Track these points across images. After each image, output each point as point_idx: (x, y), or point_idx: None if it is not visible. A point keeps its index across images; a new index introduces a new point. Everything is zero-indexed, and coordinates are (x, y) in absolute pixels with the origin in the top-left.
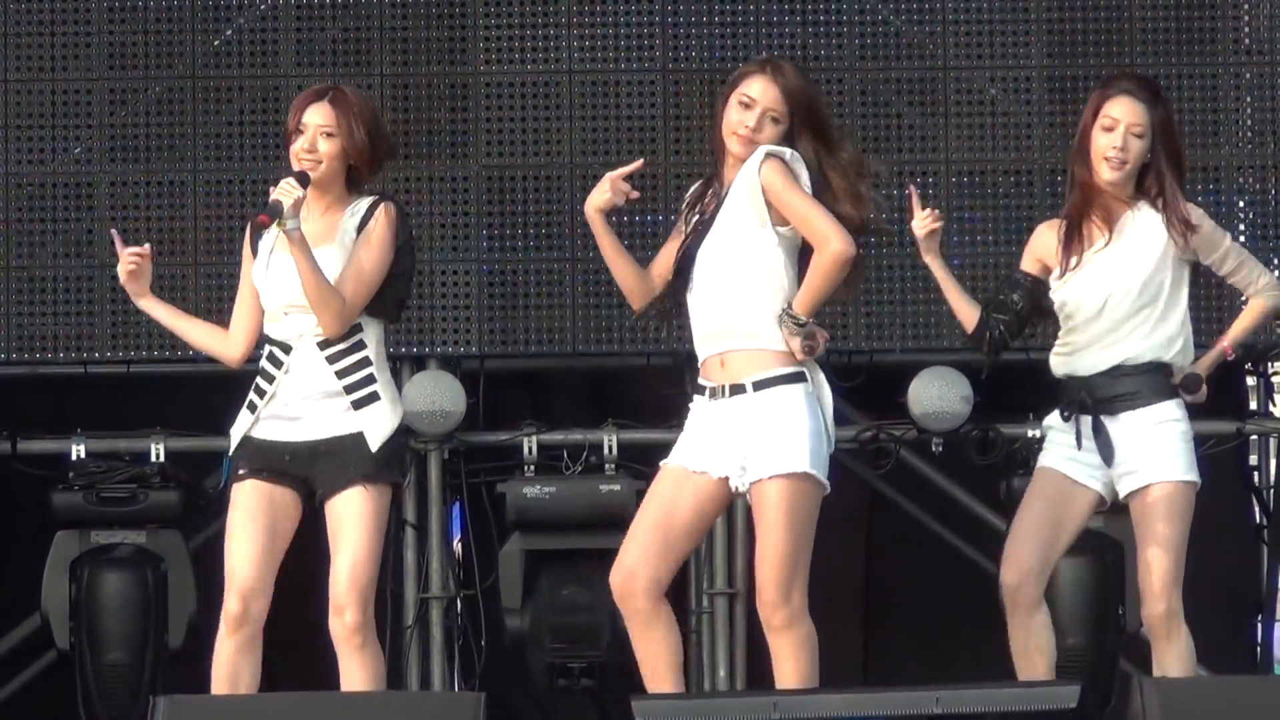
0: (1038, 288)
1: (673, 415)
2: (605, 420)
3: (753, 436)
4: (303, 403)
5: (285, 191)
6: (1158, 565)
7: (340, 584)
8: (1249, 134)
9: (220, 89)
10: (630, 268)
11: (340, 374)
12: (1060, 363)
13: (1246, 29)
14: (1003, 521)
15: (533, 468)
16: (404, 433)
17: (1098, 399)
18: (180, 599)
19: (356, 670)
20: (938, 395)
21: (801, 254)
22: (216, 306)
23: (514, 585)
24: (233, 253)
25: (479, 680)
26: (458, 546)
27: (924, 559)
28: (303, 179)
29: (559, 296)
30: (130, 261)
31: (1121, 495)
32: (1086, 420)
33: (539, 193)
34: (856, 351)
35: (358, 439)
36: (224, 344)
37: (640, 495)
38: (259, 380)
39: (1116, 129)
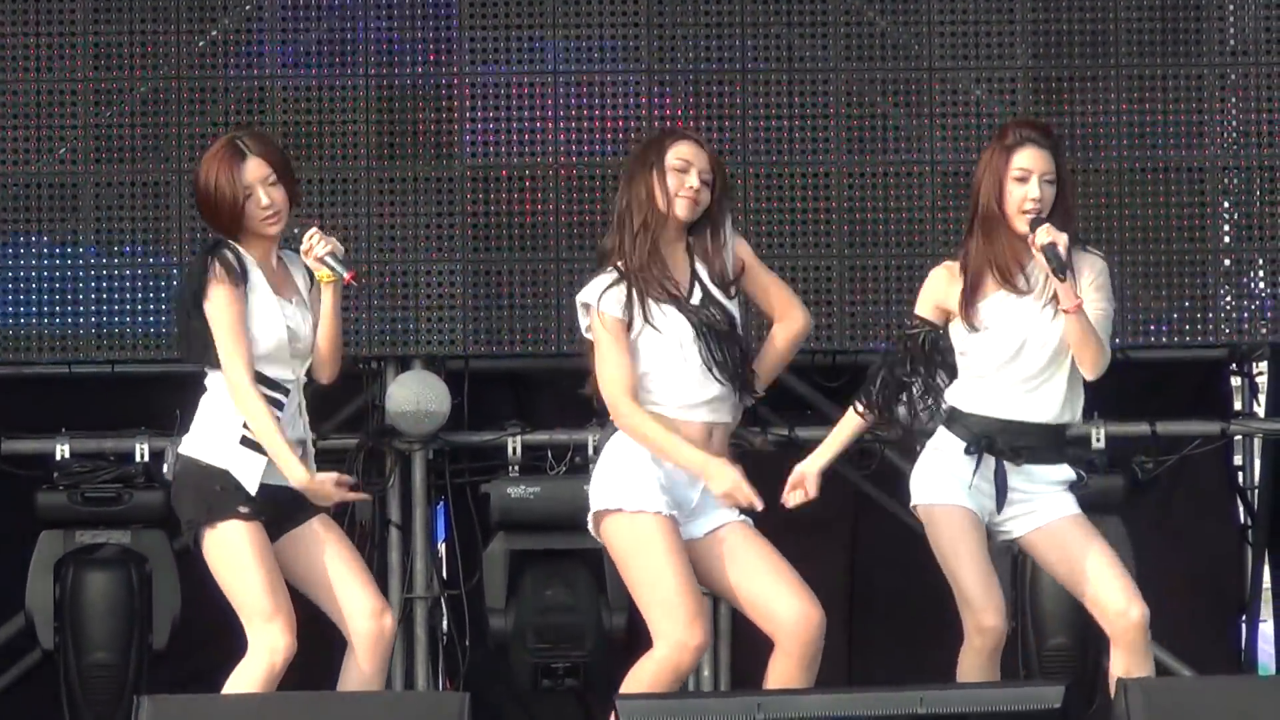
0: (940, 335)
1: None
2: (590, 420)
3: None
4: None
5: (325, 243)
6: (1119, 570)
7: (369, 588)
8: (1234, 135)
9: (205, 90)
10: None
11: (302, 408)
12: (966, 399)
13: (1232, 30)
14: None
15: (517, 468)
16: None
17: (1005, 446)
18: (165, 599)
19: (380, 670)
20: None
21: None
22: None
23: (498, 585)
24: None
25: (463, 680)
26: (442, 547)
27: (909, 560)
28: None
29: (544, 297)
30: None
31: (1016, 534)
32: (990, 461)
33: (524, 193)
34: (840, 351)
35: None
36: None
37: None
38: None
39: (1030, 179)
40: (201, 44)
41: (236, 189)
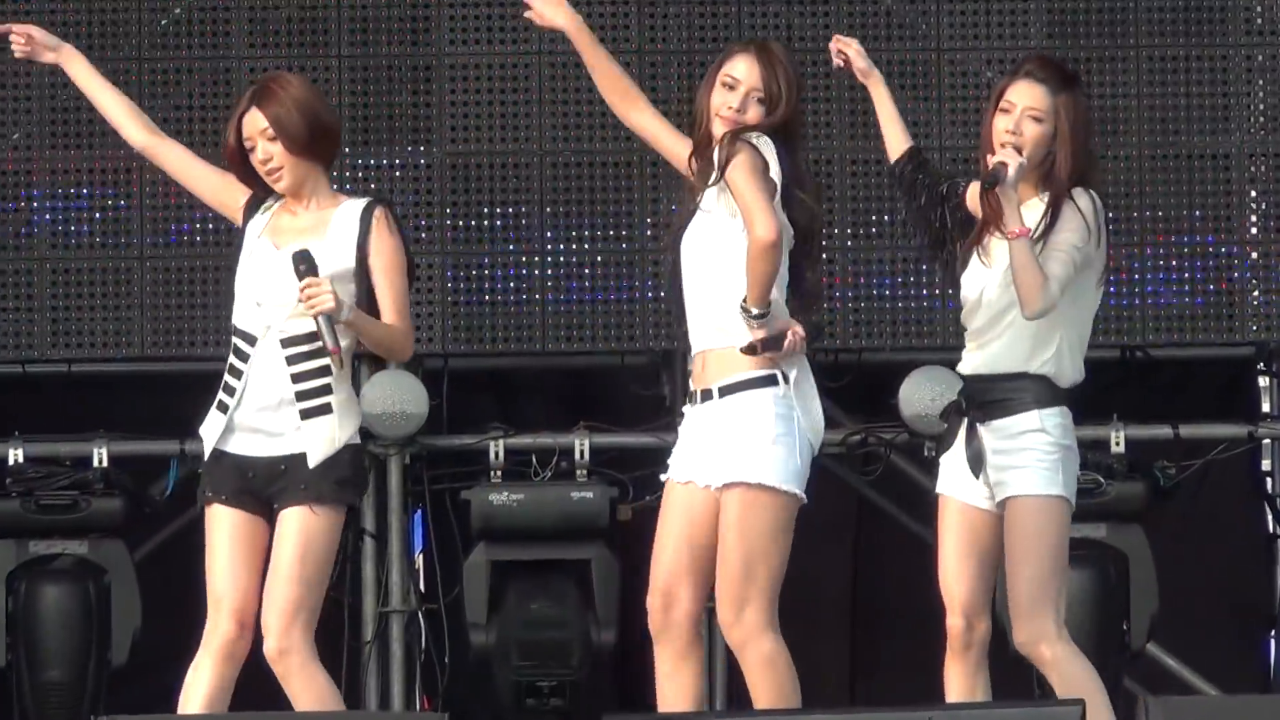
0: (957, 202)
1: (649, 417)
2: (577, 423)
3: (716, 445)
4: (260, 414)
5: (323, 302)
6: (1016, 584)
7: (263, 606)
8: (1261, 119)
9: (168, 71)
10: (612, 66)
11: (296, 378)
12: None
13: (1258, 8)
14: None
15: (499, 474)
16: (359, 449)
17: (973, 403)
18: (124, 614)
19: (292, 696)
20: (930, 397)
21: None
22: (165, 302)
23: (479, 599)
24: (179, 244)
25: (442, 700)
26: (419, 558)
27: (915, 570)
28: (303, 258)
29: (528, 292)
30: (16, 46)
31: (997, 506)
32: (962, 425)
33: (507, 181)
34: (844, 350)
35: (304, 457)
36: (134, 119)
37: (614, 503)
38: (226, 376)
39: (1013, 111)
40: (164, 22)
41: (237, 140)
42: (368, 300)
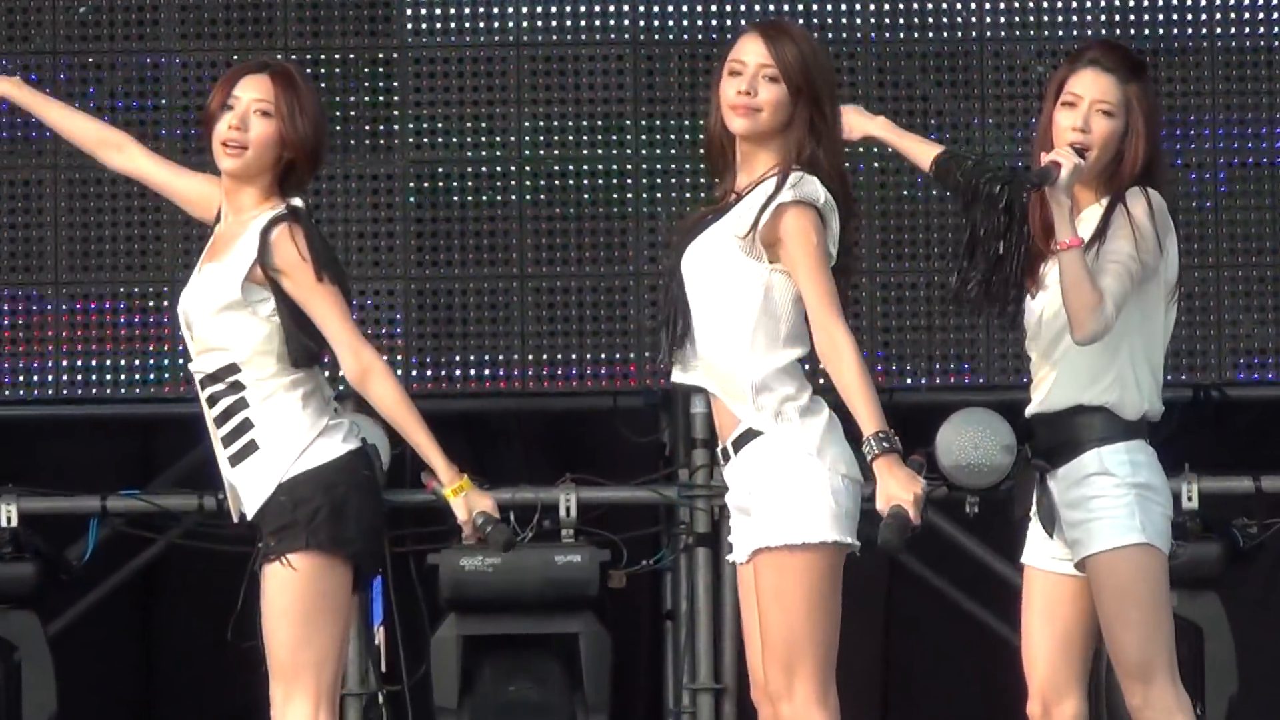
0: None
1: (646, 469)
2: (562, 475)
3: (745, 508)
4: (222, 463)
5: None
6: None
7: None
8: None
9: (87, 67)
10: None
11: (218, 421)
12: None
13: None
14: None
15: None
16: (315, 476)
17: (1037, 451)
18: (37, 696)
19: None
20: (972, 444)
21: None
22: (84, 335)
23: (449, 679)
24: (100, 269)
25: None
26: (379, 632)
27: (953, 642)
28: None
29: (505, 323)
30: None
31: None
32: (1034, 479)
33: (480, 194)
34: None
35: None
36: (100, 135)
37: (605, 568)
38: None
39: (1079, 105)
40: (82, 10)
41: (221, 95)
42: (293, 321)
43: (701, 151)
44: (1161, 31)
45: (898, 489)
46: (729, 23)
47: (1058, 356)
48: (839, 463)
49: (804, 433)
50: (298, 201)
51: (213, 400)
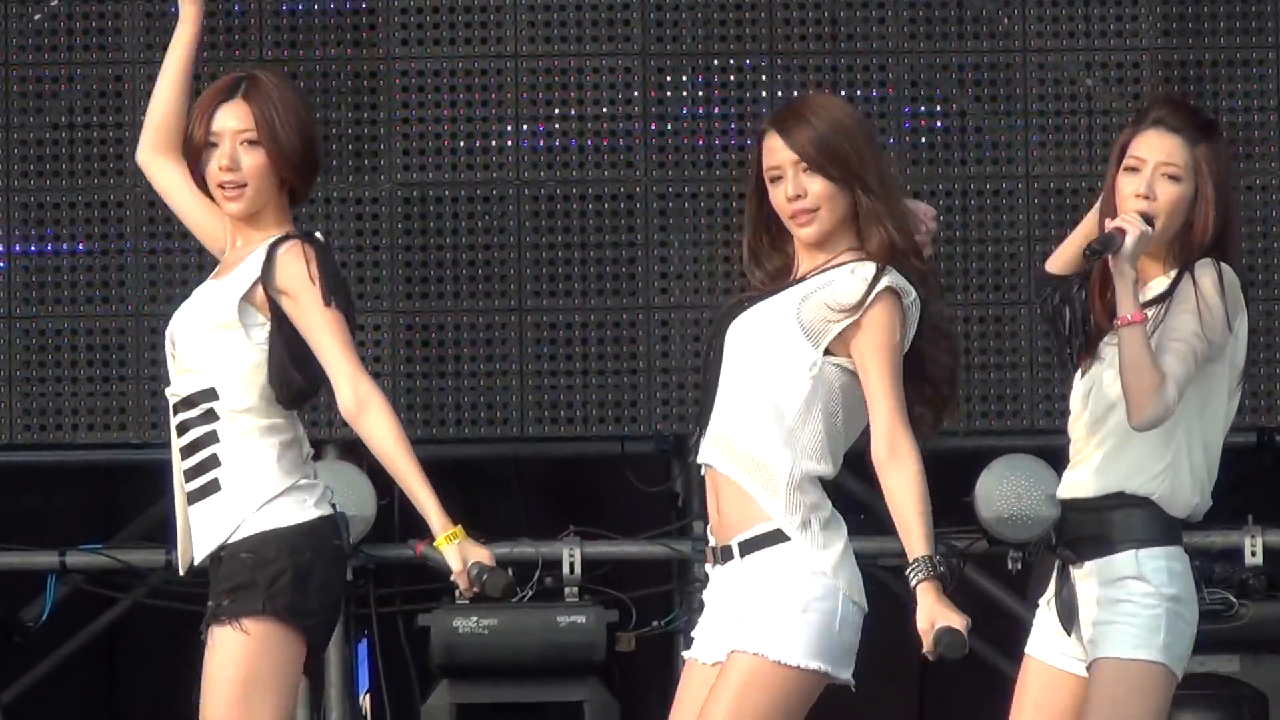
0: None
1: (656, 521)
2: (565, 529)
3: (737, 617)
4: (187, 502)
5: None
6: None
7: None
8: None
9: (43, 79)
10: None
11: (184, 452)
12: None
13: None
14: None
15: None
16: (285, 545)
17: (1063, 538)
18: None
19: None
20: (1014, 494)
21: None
22: (38, 374)
23: None
24: (58, 301)
25: None
26: (366, 700)
27: (992, 709)
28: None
29: (502, 361)
30: None
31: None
32: (1054, 567)
33: (475, 219)
34: None
35: (214, 562)
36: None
37: (612, 630)
38: None
39: (1143, 169)
40: (37, 18)
41: (201, 132)
42: (286, 352)
43: (716, 174)
44: (1223, 40)
45: (945, 614)
46: (746, 30)
47: (1104, 435)
48: (852, 589)
49: (826, 550)
50: (318, 235)
51: (183, 428)
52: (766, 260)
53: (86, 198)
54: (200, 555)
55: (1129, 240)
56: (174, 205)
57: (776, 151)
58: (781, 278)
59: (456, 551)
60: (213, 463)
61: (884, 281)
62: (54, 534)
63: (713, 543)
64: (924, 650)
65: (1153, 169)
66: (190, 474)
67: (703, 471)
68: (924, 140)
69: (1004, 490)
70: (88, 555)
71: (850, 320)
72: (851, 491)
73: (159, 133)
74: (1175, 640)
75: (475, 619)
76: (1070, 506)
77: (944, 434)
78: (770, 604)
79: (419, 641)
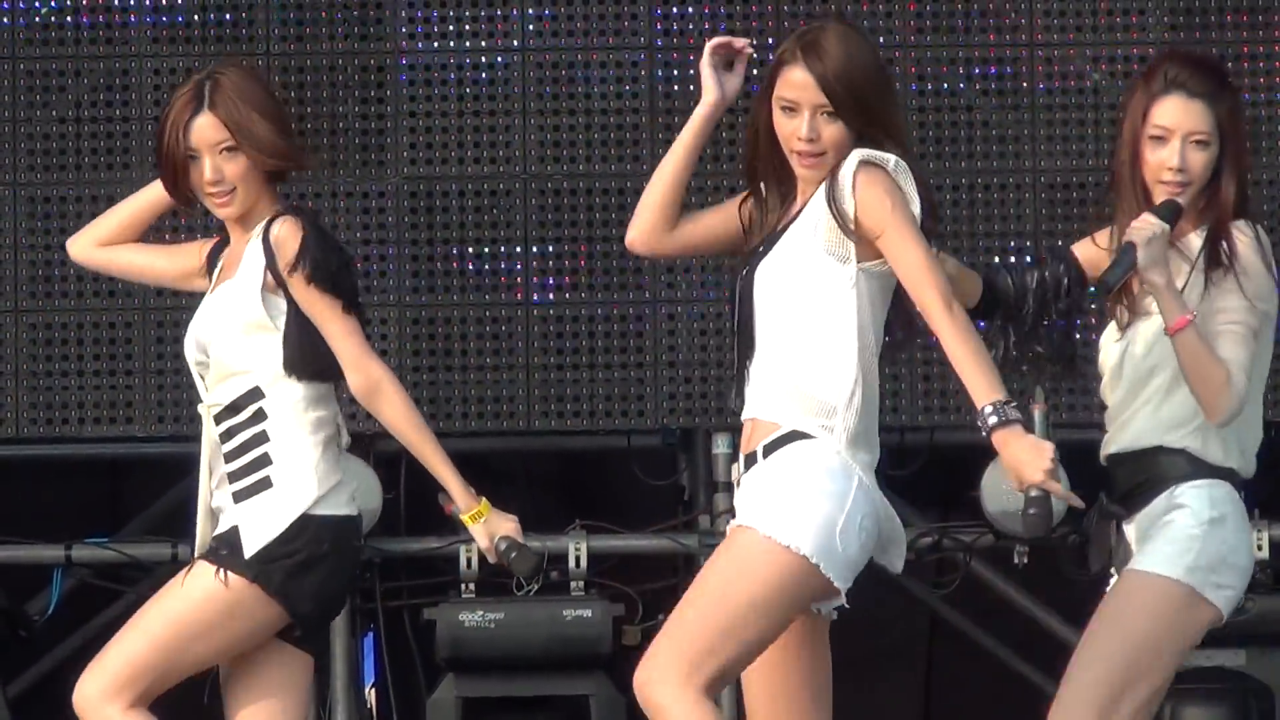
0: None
1: (662, 515)
2: (572, 522)
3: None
4: (220, 500)
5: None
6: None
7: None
8: None
9: (49, 73)
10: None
11: (230, 455)
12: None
13: None
14: None
15: (472, 587)
16: (331, 524)
17: (1113, 497)
18: None
19: None
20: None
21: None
22: (45, 367)
23: None
24: (65, 295)
25: None
26: (371, 693)
27: (998, 703)
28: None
29: (508, 354)
30: None
31: None
32: (1111, 529)
33: (481, 213)
34: (911, 429)
35: (232, 536)
36: (99, 236)
37: (618, 624)
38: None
39: (1171, 140)
40: (44, 11)
41: (180, 149)
42: (298, 331)
43: (723, 167)
44: (1230, 35)
45: (1029, 469)
46: (754, 25)
47: (1144, 399)
48: (862, 499)
49: (850, 450)
50: (308, 205)
51: (230, 434)
52: (766, 177)
53: (93, 191)
54: (250, 550)
55: (1142, 254)
56: (143, 278)
57: (797, 86)
58: (780, 211)
59: (484, 529)
60: (264, 461)
61: (854, 158)
62: (60, 527)
63: (740, 467)
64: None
65: (1182, 139)
66: (238, 474)
67: (743, 419)
68: (931, 134)
69: (1010, 484)
70: (94, 549)
71: (853, 213)
72: None
73: (101, 239)
74: (1206, 563)
75: (481, 612)
76: (1116, 461)
77: (950, 428)
78: (777, 485)
79: (425, 635)
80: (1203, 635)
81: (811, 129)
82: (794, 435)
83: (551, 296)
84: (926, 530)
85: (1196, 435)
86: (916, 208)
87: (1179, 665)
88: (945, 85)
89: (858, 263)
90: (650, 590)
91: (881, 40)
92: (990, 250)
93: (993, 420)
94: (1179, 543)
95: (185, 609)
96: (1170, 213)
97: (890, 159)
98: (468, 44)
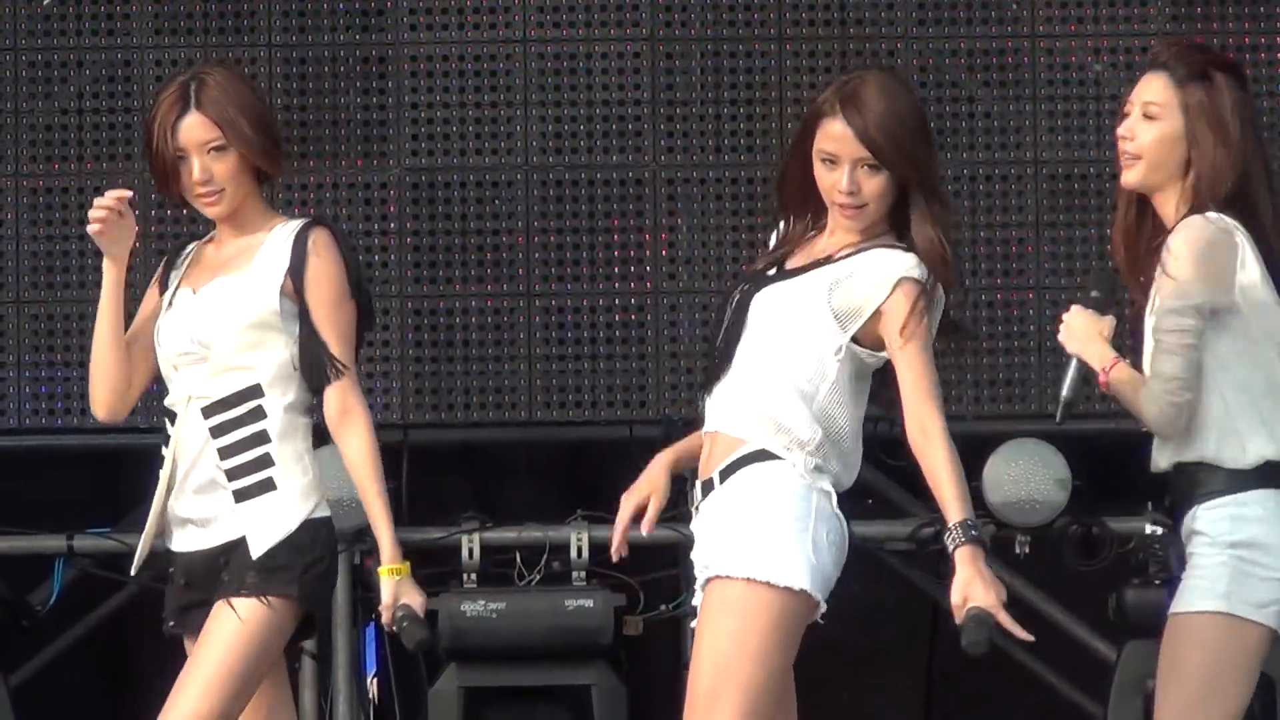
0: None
1: (664, 505)
2: (573, 512)
3: (710, 539)
4: (194, 499)
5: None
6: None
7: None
8: None
9: (52, 64)
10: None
11: (224, 453)
12: None
13: None
14: (1110, 648)
15: (474, 577)
16: (323, 525)
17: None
18: None
19: None
20: (1023, 478)
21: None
22: (47, 358)
23: None
24: (67, 286)
25: None
26: (373, 683)
27: (1000, 695)
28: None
29: (510, 345)
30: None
31: None
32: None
33: (483, 205)
34: None
35: (241, 546)
36: (115, 385)
37: (620, 614)
38: (160, 470)
39: (1131, 111)
40: (46, 2)
41: (169, 149)
42: (309, 344)
43: (725, 159)
44: (1231, 25)
45: (981, 591)
46: (755, 15)
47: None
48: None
49: (813, 473)
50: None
51: (222, 430)
52: (796, 212)
53: (95, 182)
54: (258, 551)
55: (1072, 345)
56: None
57: (837, 139)
58: (807, 240)
59: (393, 587)
60: (266, 461)
61: (907, 270)
62: (62, 518)
63: (698, 493)
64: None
65: (1138, 109)
66: (236, 473)
67: (703, 433)
68: (932, 125)
69: (1012, 474)
70: (95, 539)
71: (876, 307)
72: (860, 476)
73: (115, 388)
74: (1241, 587)
75: (483, 603)
76: (1159, 478)
77: (951, 418)
78: (742, 521)
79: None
80: (1265, 653)
81: (852, 182)
82: (759, 455)
83: (553, 287)
84: (928, 520)
85: (1208, 440)
86: (935, 326)
87: (1249, 690)
88: (947, 76)
89: (851, 339)
90: (652, 580)
91: (883, 31)
92: (991, 241)
93: (963, 537)
94: (1205, 575)
95: (245, 648)
96: (1098, 281)
97: (929, 278)
98: (469, 35)
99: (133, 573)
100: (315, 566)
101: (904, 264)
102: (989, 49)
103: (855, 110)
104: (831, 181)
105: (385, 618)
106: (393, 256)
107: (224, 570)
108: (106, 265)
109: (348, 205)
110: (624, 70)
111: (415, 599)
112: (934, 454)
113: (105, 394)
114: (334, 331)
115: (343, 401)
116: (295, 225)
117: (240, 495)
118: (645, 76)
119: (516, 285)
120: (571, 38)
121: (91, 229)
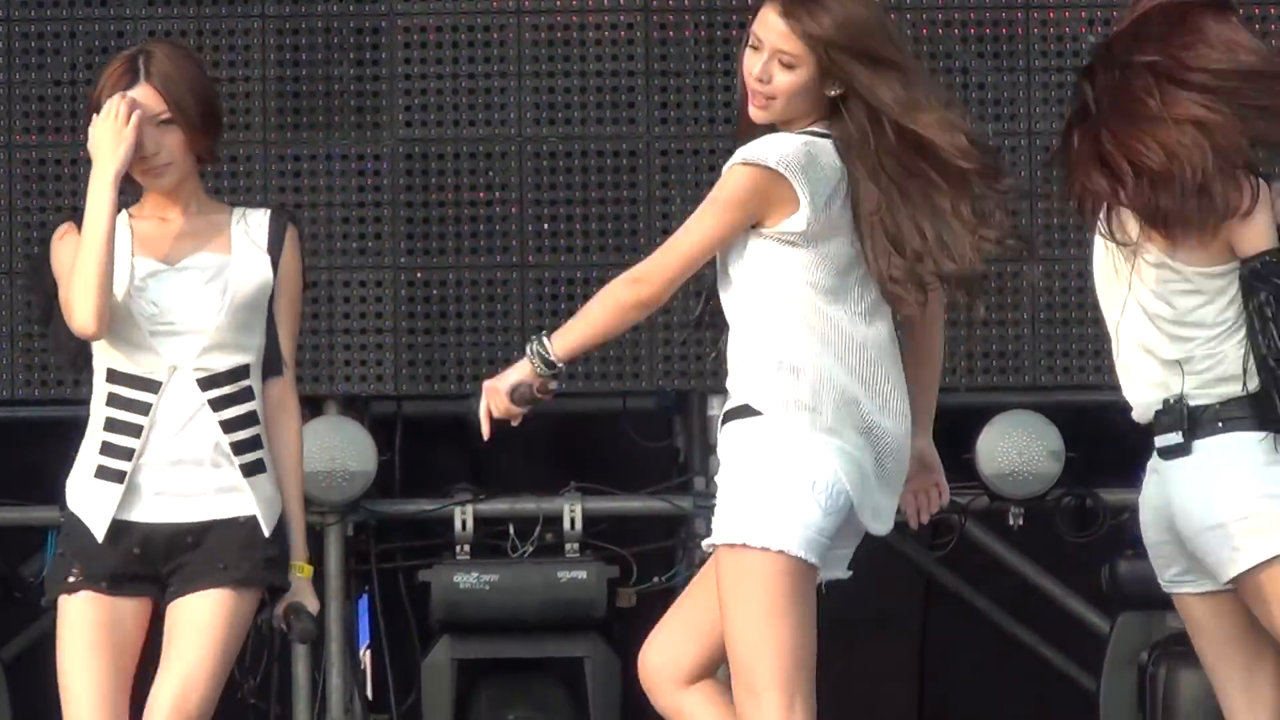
0: None
1: (658, 477)
2: (567, 484)
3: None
4: (173, 471)
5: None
6: None
7: (162, 711)
8: None
9: (44, 35)
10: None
11: (229, 425)
12: None
13: None
14: (1104, 620)
15: (467, 549)
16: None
17: None
18: None
19: None
20: (1016, 450)
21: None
22: (39, 329)
23: (442, 707)
24: None
25: None
26: (366, 655)
27: (993, 665)
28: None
29: (503, 316)
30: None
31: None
32: None
33: (476, 175)
34: None
35: (247, 525)
36: (109, 299)
37: (613, 586)
38: (110, 437)
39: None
40: None
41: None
42: (268, 330)
43: (719, 130)
44: None
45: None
46: None
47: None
48: (826, 456)
49: (786, 421)
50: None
51: (222, 404)
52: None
53: (88, 154)
54: (269, 528)
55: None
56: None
57: (767, 26)
58: None
59: (296, 584)
60: (259, 442)
61: (743, 153)
62: (54, 489)
63: None
64: None
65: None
66: (240, 448)
67: None
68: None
69: (1005, 446)
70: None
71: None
72: None
73: (109, 308)
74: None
75: (476, 574)
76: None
77: (945, 390)
78: (723, 485)
79: (420, 597)
80: None
81: (764, 70)
82: (740, 410)
83: (546, 258)
84: None
85: (1184, 379)
86: (811, 208)
87: None
88: (941, 48)
89: (757, 229)
90: (645, 552)
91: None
92: None
93: (533, 351)
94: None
95: (236, 637)
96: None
97: (772, 157)
98: (462, 5)
99: (100, 536)
100: (286, 558)
101: (749, 148)
102: (983, 20)
103: (792, 4)
104: (748, 67)
105: (279, 609)
106: (386, 228)
107: (188, 552)
108: (112, 181)
109: (341, 176)
110: (618, 41)
111: (310, 601)
112: (595, 301)
113: (103, 304)
114: (288, 327)
115: (283, 396)
116: (263, 212)
117: (248, 470)
118: (639, 47)
119: (510, 256)
120: (565, 8)
121: (129, 137)
